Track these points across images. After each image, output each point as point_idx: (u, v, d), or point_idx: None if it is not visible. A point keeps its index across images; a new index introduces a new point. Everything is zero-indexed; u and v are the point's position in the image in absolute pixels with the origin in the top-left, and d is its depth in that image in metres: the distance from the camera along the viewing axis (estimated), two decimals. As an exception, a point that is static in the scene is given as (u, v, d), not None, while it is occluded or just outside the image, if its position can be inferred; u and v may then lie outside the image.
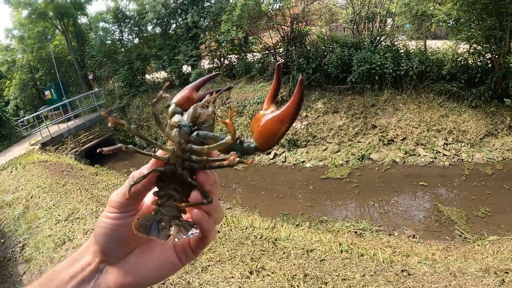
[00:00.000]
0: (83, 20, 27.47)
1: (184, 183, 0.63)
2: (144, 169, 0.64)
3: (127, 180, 0.63)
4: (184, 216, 0.66)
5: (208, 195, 0.62)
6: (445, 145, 11.78)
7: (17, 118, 24.87)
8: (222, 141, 0.60)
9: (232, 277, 4.35)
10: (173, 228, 0.62)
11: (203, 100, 0.69)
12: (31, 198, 9.21)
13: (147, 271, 0.66)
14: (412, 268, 4.85)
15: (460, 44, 13.05)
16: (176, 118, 0.64)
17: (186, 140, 0.62)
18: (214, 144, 0.61)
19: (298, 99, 0.57)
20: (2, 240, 7.19)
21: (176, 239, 0.61)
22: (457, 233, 7.89)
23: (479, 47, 12.68)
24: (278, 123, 0.59)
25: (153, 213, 0.64)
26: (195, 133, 0.63)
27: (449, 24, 14.65)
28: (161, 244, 0.67)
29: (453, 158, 11.38)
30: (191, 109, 0.65)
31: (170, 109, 0.66)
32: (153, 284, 0.67)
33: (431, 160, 11.47)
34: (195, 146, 0.62)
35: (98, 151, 0.58)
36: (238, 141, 0.61)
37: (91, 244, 0.65)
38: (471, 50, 12.91)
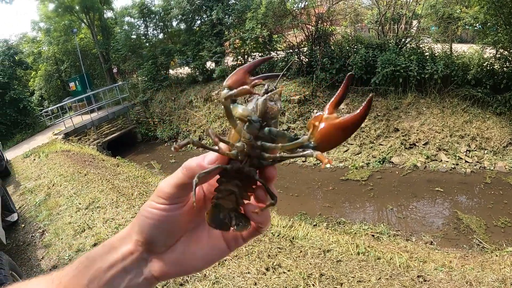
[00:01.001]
0: (108, 14, 27.89)
1: (247, 179, 0.62)
2: (203, 162, 0.60)
3: (179, 170, 0.61)
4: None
5: (274, 194, 0.61)
6: (468, 152, 11.61)
7: (42, 108, 25.48)
8: (297, 141, 0.58)
9: (248, 272, 4.41)
10: (233, 220, 0.62)
11: (270, 92, 0.63)
12: (53, 185, 9.44)
13: (195, 259, 0.65)
14: (428, 274, 4.86)
15: (486, 48, 12.79)
16: (241, 109, 0.60)
17: (255, 136, 0.59)
18: (290, 143, 0.59)
19: (364, 113, 0.55)
20: (23, 225, 7.36)
21: (236, 230, 0.63)
22: (476, 242, 7.81)
23: (506, 52, 12.40)
24: (341, 131, 0.57)
25: (212, 206, 0.64)
26: (266, 129, 0.59)
27: (475, 28, 14.40)
28: (208, 232, 0.66)
29: (475, 165, 11.21)
30: (259, 102, 0.60)
31: (223, 93, 0.61)
32: (200, 271, 0.67)
33: (452, 166, 11.33)
34: (268, 144, 0.59)
35: (172, 149, 0.58)
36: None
37: (133, 233, 0.62)
38: (498, 55, 12.63)
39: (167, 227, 0.61)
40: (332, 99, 0.60)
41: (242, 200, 0.64)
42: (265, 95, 0.62)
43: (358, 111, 0.56)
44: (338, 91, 0.60)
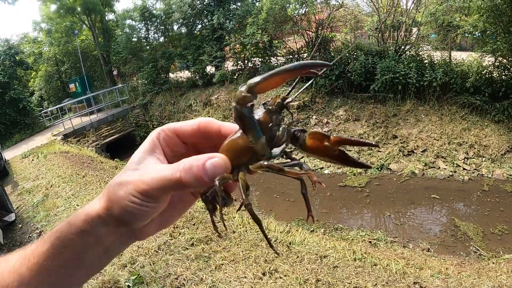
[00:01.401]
0: (110, 16, 27.87)
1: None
2: (205, 175, 0.56)
3: (164, 169, 0.58)
4: None
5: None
6: (466, 159, 11.64)
7: (41, 108, 25.51)
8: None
9: (245, 277, 4.40)
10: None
11: (293, 121, 0.63)
12: (51, 186, 9.39)
13: (173, 217, 0.70)
14: (424, 281, 4.86)
15: (485, 56, 12.86)
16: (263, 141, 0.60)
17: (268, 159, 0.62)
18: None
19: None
20: (20, 225, 7.32)
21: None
22: (473, 249, 7.82)
23: (505, 60, 12.48)
24: None
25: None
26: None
27: (474, 36, 14.50)
28: (184, 198, 0.71)
29: (473, 172, 11.24)
30: (284, 132, 0.61)
31: (243, 96, 0.56)
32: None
33: (450, 173, 11.36)
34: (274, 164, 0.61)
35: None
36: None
37: (109, 219, 0.58)
38: (497, 63, 12.70)
39: (146, 219, 0.60)
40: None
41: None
42: (288, 124, 0.62)
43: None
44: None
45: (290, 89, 0.71)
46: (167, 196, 0.60)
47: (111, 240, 0.60)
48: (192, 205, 0.75)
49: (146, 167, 0.59)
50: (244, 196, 0.60)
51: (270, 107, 0.62)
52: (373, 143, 0.60)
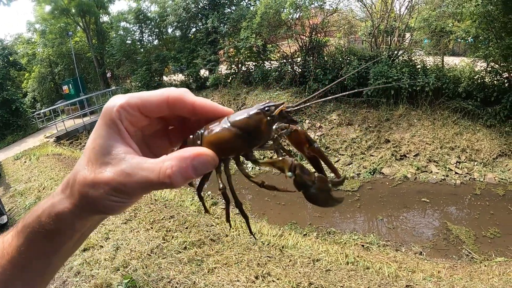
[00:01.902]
0: (104, 18, 27.96)
1: None
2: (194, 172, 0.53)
3: (162, 165, 0.52)
4: None
5: None
6: (458, 163, 11.71)
7: (34, 110, 25.41)
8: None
9: (238, 280, 4.41)
10: None
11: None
12: (43, 189, 9.38)
13: None
14: (416, 284, 4.89)
15: (477, 62, 12.97)
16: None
17: None
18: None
19: None
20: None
21: None
22: (465, 253, 7.86)
23: (497, 65, 12.61)
24: None
25: None
26: None
27: (467, 41, 14.63)
28: None
29: (465, 176, 11.31)
30: None
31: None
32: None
33: (442, 177, 11.42)
34: None
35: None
36: None
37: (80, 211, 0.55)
38: (488, 69, 12.82)
39: (130, 206, 0.59)
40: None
41: None
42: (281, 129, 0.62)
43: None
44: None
45: (299, 102, 0.67)
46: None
47: (86, 226, 0.58)
48: None
49: (120, 162, 0.52)
50: (221, 182, 0.62)
51: (272, 116, 0.60)
52: (341, 178, 0.62)
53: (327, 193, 0.58)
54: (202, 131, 0.60)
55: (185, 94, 0.58)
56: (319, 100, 0.71)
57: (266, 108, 0.60)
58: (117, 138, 0.54)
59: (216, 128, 0.58)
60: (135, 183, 0.51)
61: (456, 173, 11.49)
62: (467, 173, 11.38)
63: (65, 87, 25.30)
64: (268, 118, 0.60)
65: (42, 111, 21.48)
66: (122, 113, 0.54)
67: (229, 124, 0.58)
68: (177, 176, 0.51)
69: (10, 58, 22.99)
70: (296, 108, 0.65)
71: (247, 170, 0.65)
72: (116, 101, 0.54)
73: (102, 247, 5.48)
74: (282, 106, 0.61)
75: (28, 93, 29.06)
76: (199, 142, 0.59)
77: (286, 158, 0.57)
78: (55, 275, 0.62)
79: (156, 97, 0.56)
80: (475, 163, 11.59)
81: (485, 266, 6.87)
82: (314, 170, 0.60)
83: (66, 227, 0.55)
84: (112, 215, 0.59)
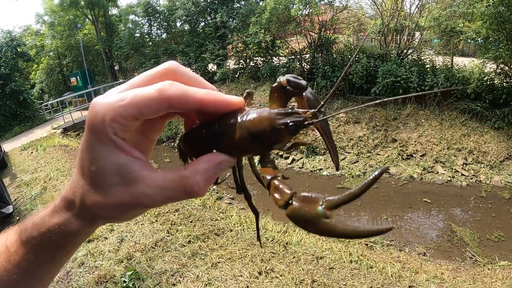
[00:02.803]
0: (113, 11, 28.01)
1: None
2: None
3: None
4: None
5: None
6: (464, 165, 11.64)
7: (41, 101, 25.51)
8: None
9: (241, 275, 4.41)
10: None
11: None
12: (49, 180, 9.40)
13: None
14: (419, 285, 4.88)
15: (487, 63, 12.87)
16: None
17: None
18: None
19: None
20: (17, 218, 7.31)
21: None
22: (468, 255, 7.83)
23: (507, 67, 12.49)
24: None
25: None
26: None
27: (477, 42, 14.50)
28: None
29: (471, 178, 11.24)
30: None
31: None
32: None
33: (448, 179, 11.36)
34: None
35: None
36: None
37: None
38: (498, 70, 12.71)
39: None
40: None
41: None
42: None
43: None
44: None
45: (331, 114, 0.64)
46: None
47: (90, 234, 0.57)
48: None
49: (133, 182, 0.48)
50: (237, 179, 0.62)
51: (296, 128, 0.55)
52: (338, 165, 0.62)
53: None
54: (218, 129, 0.56)
55: (187, 90, 0.50)
56: (360, 106, 0.69)
57: (292, 125, 0.54)
58: (118, 153, 0.48)
59: (234, 132, 0.54)
60: (158, 202, 0.50)
61: (462, 174, 11.42)
62: (474, 175, 11.31)
63: (73, 79, 25.39)
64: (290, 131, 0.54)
65: (49, 102, 21.55)
66: (116, 127, 0.47)
67: (247, 133, 0.54)
68: (205, 190, 0.50)
69: (19, 50, 23.09)
70: (326, 118, 0.61)
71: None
72: (104, 112, 0.47)
73: (107, 238, 5.50)
74: (311, 122, 0.55)
75: (36, 85, 29.21)
76: (214, 143, 0.56)
77: (284, 189, 0.50)
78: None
79: (154, 101, 0.47)
80: (482, 165, 11.51)
81: (489, 269, 6.83)
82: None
83: (78, 240, 0.55)
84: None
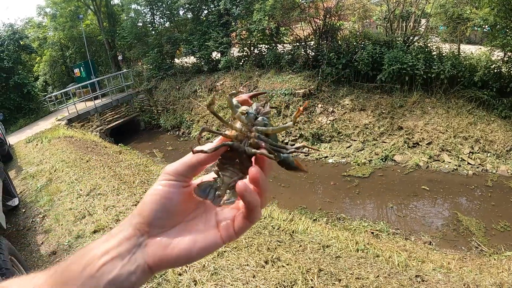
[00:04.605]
0: (115, 1, 27.82)
1: (245, 159, 0.67)
2: (210, 145, 0.67)
3: (186, 156, 0.66)
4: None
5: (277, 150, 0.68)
6: (471, 154, 11.57)
7: (45, 93, 25.57)
8: (285, 125, 0.67)
9: (247, 264, 4.40)
10: (226, 195, 0.66)
11: (262, 102, 0.74)
12: (55, 171, 9.43)
13: (188, 245, 0.63)
14: (426, 275, 4.86)
15: (494, 51, 12.71)
16: (242, 108, 0.70)
17: (252, 123, 0.68)
18: (279, 127, 0.68)
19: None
20: (23, 210, 7.36)
21: (225, 202, 0.65)
22: (474, 245, 7.81)
23: (514, 55, 12.36)
24: None
25: (213, 180, 0.68)
26: (260, 117, 0.69)
27: (484, 30, 14.31)
28: (205, 221, 0.67)
29: (477, 167, 11.18)
30: (253, 105, 0.72)
31: (231, 101, 0.71)
32: (192, 260, 0.65)
33: (455, 167, 11.30)
34: (261, 128, 0.67)
35: (193, 151, 0.64)
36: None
37: (132, 217, 0.63)
38: (506, 58, 12.54)
39: (168, 203, 0.62)
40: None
41: (239, 179, 0.66)
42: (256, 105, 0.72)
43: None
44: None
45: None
46: (187, 171, 0.66)
47: None
48: (214, 244, 0.69)
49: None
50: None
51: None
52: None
53: None
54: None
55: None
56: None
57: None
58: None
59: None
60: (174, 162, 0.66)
61: (468, 163, 11.36)
62: (480, 164, 11.25)
63: (76, 70, 25.33)
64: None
65: (53, 94, 21.48)
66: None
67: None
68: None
69: (21, 42, 23.05)
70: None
71: None
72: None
73: (113, 229, 5.51)
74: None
75: (39, 77, 29.28)
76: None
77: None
78: None
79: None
80: (488, 154, 11.44)
81: (495, 259, 6.82)
82: None
83: (113, 240, 0.61)
84: None
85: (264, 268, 4.39)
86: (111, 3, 26.81)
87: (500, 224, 8.46)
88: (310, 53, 16.62)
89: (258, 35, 17.53)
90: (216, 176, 0.68)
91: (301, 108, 0.64)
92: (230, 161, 0.68)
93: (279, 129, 0.68)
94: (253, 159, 0.67)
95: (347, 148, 13.28)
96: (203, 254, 0.64)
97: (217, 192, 0.66)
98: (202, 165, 0.66)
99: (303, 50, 16.82)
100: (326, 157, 13.08)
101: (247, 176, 0.64)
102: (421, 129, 12.62)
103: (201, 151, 0.64)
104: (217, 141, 0.68)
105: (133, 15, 23.71)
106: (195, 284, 3.99)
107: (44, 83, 29.12)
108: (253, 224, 0.66)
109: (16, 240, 6.10)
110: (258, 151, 0.65)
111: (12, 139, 15.56)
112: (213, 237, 0.65)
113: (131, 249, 0.60)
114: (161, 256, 0.61)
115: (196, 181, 0.68)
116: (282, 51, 17.38)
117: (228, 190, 0.66)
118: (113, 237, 0.61)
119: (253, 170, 0.63)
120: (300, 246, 5.23)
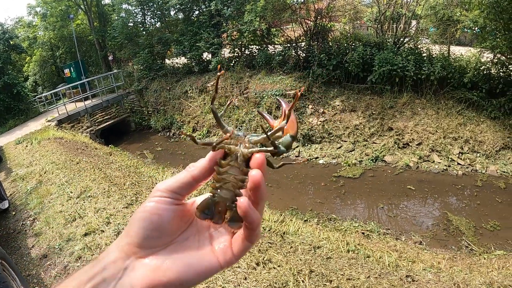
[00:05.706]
0: (106, 1, 27.60)
1: (242, 163, 0.64)
2: (203, 161, 0.64)
3: (180, 173, 0.64)
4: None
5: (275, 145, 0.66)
6: (460, 154, 11.68)
7: (35, 94, 25.19)
8: (281, 124, 0.68)
9: (239, 266, 4.39)
10: (228, 212, 0.63)
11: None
12: (45, 173, 9.34)
13: (181, 268, 0.59)
14: (416, 275, 4.90)
15: (484, 52, 12.85)
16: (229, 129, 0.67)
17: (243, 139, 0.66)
18: (275, 129, 0.67)
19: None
20: (13, 213, 7.28)
21: (232, 226, 0.63)
22: (464, 244, 7.89)
23: (503, 57, 12.47)
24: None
25: (210, 196, 0.65)
26: (248, 136, 0.66)
27: (474, 32, 14.45)
28: (198, 241, 0.64)
29: (467, 168, 11.30)
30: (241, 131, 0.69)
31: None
32: (188, 286, 0.60)
33: (444, 167, 11.41)
34: (254, 138, 0.66)
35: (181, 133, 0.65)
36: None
37: (120, 239, 0.60)
38: (495, 60, 12.68)
39: (159, 221, 0.59)
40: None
41: (239, 189, 0.63)
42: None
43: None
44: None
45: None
46: (181, 189, 0.64)
47: None
48: (210, 269, 0.66)
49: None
50: None
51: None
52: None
53: None
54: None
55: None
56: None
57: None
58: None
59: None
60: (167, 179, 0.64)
61: (458, 163, 11.47)
62: (469, 164, 11.37)
63: (66, 71, 25.06)
64: None
65: (43, 94, 21.33)
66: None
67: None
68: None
69: (11, 42, 22.77)
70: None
71: None
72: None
73: (103, 231, 5.48)
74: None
75: (29, 77, 28.91)
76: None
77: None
78: None
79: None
80: (478, 154, 11.55)
81: (485, 259, 6.88)
82: None
83: (99, 265, 0.58)
84: None
85: (256, 270, 4.39)
86: (102, 3, 26.64)
87: (489, 223, 8.55)
88: (301, 54, 16.65)
89: (249, 36, 17.51)
90: (212, 194, 0.65)
91: (298, 93, 0.64)
92: (225, 172, 0.64)
93: (276, 130, 0.67)
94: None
95: (337, 149, 13.32)
96: (199, 279, 0.61)
97: (218, 208, 0.64)
98: (197, 182, 0.63)
99: (294, 51, 16.84)
100: (317, 157, 13.11)
101: (246, 184, 0.61)
102: (411, 130, 12.70)
103: (208, 144, 0.65)
104: (208, 157, 0.65)
105: (124, 15, 23.53)
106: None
107: (34, 84, 28.76)
108: (253, 245, 0.63)
109: (6, 244, 6.03)
110: (255, 149, 0.63)
111: (2, 141, 15.40)
112: (209, 261, 0.62)
113: (116, 274, 0.56)
114: (152, 281, 0.57)
115: (190, 201, 0.68)
116: (273, 52, 17.38)
117: (228, 205, 0.64)
118: (100, 262, 0.58)
119: (255, 173, 0.58)
120: (291, 247, 5.24)
